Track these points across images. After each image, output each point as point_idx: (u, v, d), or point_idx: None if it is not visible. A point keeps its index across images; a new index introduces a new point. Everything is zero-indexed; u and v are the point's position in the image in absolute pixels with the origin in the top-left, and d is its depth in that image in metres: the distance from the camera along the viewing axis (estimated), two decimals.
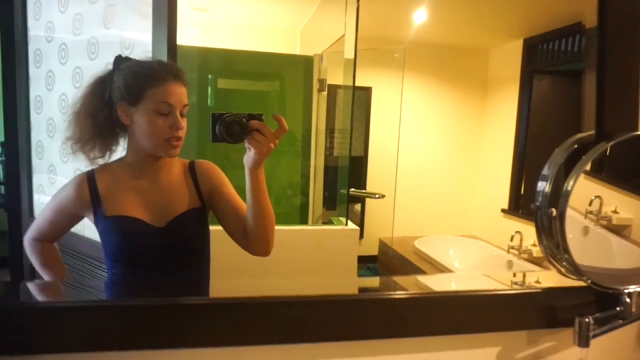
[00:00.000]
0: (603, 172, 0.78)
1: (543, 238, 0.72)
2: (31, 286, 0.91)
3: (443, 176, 3.52)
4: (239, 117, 0.94)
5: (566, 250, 0.68)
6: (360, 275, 2.58)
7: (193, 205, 1.10)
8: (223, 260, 1.14)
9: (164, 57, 1.33)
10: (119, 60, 1.07)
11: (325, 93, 2.49)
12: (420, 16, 2.95)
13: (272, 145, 0.97)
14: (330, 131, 2.54)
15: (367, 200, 3.27)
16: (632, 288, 0.72)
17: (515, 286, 0.81)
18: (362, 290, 0.90)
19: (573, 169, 0.69)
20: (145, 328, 0.62)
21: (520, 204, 3.08)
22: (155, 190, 1.08)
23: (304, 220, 2.49)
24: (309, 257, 1.98)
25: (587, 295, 0.75)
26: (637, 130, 0.69)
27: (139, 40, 1.52)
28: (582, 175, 0.73)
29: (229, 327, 0.65)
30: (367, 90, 3.29)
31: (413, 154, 3.38)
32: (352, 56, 2.20)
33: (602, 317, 0.73)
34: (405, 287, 0.88)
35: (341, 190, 2.41)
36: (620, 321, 0.74)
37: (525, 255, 2.59)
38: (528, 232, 2.59)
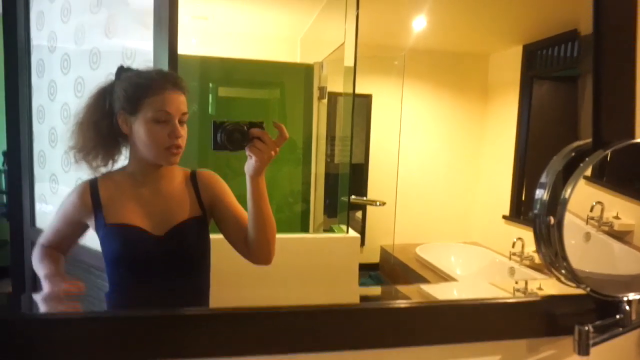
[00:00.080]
0: (604, 177, 0.78)
1: (542, 246, 0.72)
2: (33, 297, 0.92)
3: (444, 183, 3.52)
4: (240, 125, 0.95)
5: (564, 258, 0.69)
6: (362, 283, 2.57)
7: (194, 214, 1.10)
8: (224, 268, 1.14)
9: (165, 66, 1.34)
10: (121, 71, 1.08)
11: (325, 101, 2.50)
12: (419, 23, 2.97)
13: (273, 153, 0.98)
14: (330, 138, 2.55)
15: (368, 207, 3.27)
16: (631, 296, 0.72)
17: (518, 293, 0.81)
18: (363, 299, 0.90)
19: (571, 176, 0.69)
20: (146, 339, 0.62)
21: (522, 210, 3.07)
22: (156, 199, 1.09)
23: (305, 228, 2.49)
24: (310, 265, 1.97)
25: (587, 303, 0.75)
26: (633, 138, 0.70)
27: (140, 50, 1.53)
28: (582, 181, 0.73)
29: (230, 337, 0.65)
30: (368, 98, 3.30)
31: (414, 160, 3.39)
32: (352, 64, 2.21)
33: (602, 325, 0.73)
34: (408, 295, 0.88)
35: (342, 198, 2.41)
36: (621, 329, 0.73)
37: (527, 262, 2.58)
38: (530, 239, 2.58)
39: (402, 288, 1.21)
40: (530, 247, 2.58)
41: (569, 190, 0.68)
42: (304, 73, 2.54)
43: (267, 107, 2.67)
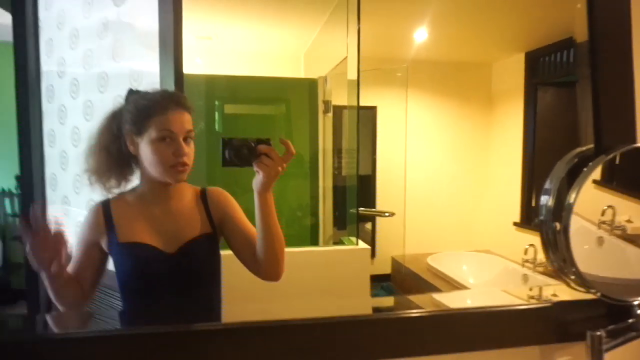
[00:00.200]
0: (614, 181, 0.78)
1: (550, 252, 0.72)
2: (47, 317, 0.93)
3: (453, 191, 3.51)
4: (248, 142, 0.98)
5: (572, 263, 0.69)
6: (374, 294, 2.56)
7: (204, 231, 1.12)
8: (234, 284, 1.15)
9: (171, 87, 1.36)
10: (129, 94, 1.11)
11: (330, 114, 2.52)
12: (421, 35, 3.00)
13: (280, 169, 0.99)
14: (337, 151, 2.57)
15: (378, 218, 3.27)
16: None
17: (532, 300, 0.81)
18: (376, 310, 0.90)
19: (574, 182, 0.69)
20: (159, 355, 0.63)
21: (532, 216, 3.05)
22: (167, 217, 1.10)
23: (314, 241, 2.49)
24: (321, 278, 1.97)
25: (599, 308, 0.75)
26: (635, 142, 0.70)
27: (147, 72, 1.56)
28: (592, 185, 0.74)
29: (242, 352, 0.65)
30: (372, 110, 3.33)
31: (421, 170, 3.39)
32: (355, 77, 2.23)
33: (615, 329, 0.72)
34: (420, 305, 0.88)
35: (351, 210, 2.41)
36: (634, 333, 0.73)
37: (541, 269, 2.55)
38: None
39: (415, 298, 1.21)
40: (543, 253, 2.55)
41: (573, 196, 0.68)
42: (308, 87, 2.57)
43: (273, 122, 2.69)
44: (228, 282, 1.18)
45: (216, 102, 2.55)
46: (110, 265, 1.10)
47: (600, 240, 0.77)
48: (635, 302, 0.72)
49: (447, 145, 3.53)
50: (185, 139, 1.04)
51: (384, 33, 2.88)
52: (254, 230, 1.09)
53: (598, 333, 0.70)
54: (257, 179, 1.01)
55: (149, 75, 1.54)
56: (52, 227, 0.92)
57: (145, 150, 1.04)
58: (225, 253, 1.16)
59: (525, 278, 2.66)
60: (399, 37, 3.06)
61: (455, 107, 3.51)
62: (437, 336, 0.72)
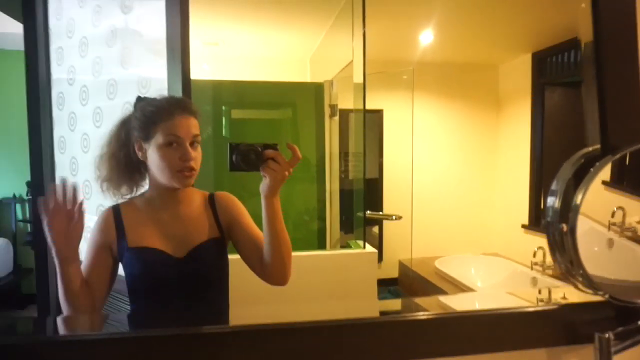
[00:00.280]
0: (624, 182, 0.78)
1: (557, 254, 0.72)
2: (58, 320, 0.94)
3: (460, 194, 3.50)
4: (255, 147, 0.99)
5: (580, 265, 0.68)
6: (381, 298, 2.55)
7: (212, 235, 1.13)
8: (242, 289, 1.15)
9: (178, 93, 1.38)
10: (137, 101, 1.12)
11: (337, 118, 2.53)
12: (426, 37, 3.00)
13: (286, 173, 1.00)
14: (344, 155, 2.57)
15: (385, 222, 3.27)
16: None
17: (541, 303, 0.81)
18: (383, 313, 0.90)
19: (581, 183, 0.69)
20: (168, 358, 0.64)
21: (541, 218, 3.03)
22: (176, 222, 1.11)
23: (321, 245, 2.50)
24: (328, 282, 1.98)
25: (607, 310, 0.74)
26: None
27: (155, 78, 1.58)
28: (602, 187, 0.73)
29: (250, 354, 0.66)
30: (379, 113, 3.33)
31: (428, 173, 3.38)
32: (361, 80, 2.24)
33: (624, 331, 0.72)
34: (427, 308, 0.88)
35: (357, 213, 2.42)
36: None
37: (550, 271, 2.53)
38: None
39: (421, 300, 1.20)
40: None
41: (580, 197, 0.68)
42: (315, 92, 2.58)
43: (280, 126, 2.71)
44: (235, 286, 1.18)
45: (223, 108, 2.57)
46: (119, 269, 1.11)
47: (610, 242, 0.77)
48: None
49: (454, 148, 3.51)
50: (192, 144, 1.05)
51: (389, 36, 2.89)
52: (262, 235, 1.10)
53: (606, 335, 0.69)
54: (264, 184, 1.02)
55: (157, 81, 1.56)
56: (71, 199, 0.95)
57: (152, 155, 1.05)
58: (233, 257, 1.17)
59: (534, 281, 2.64)
60: (404, 39, 3.06)
61: (462, 109, 3.50)
62: (444, 339, 0.72)
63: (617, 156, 0.70)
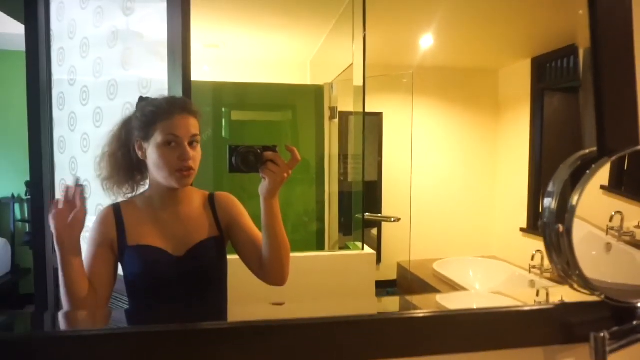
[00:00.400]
0: (622, 187, 0.79)
1: (553, 255, 0.73)
2: (59, 316, 0.94)
3: (459, 197, 3.51)
4: (254, 149, 1.00)
5: (576, 265, 0.69)
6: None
7: (212, 234, 1.13)
8: (240, 289, 1.16)
9: (179, 94, 1.39)
10: (139, 101, 1.13)
11: (336, 120, 2.54)
12: (427, 41, 3.01)
13: (285, 175, 1.01)
14: (343, 157, 2.58)
15: (384, 224, 3.28)
16: None
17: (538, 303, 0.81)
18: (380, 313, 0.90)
19: (577, 184, 0.70)
20: (165, 355, 0.64)
21: (539, 222, 3.04)
22: (175, 221, 1.12)
23: (320, 247, 2.50)
24: (327, 283, 1.98)
25: (603, 310, 0.75)
26: (639, 144, 0.71)
27: (155, 79, 1.59)
28: (600, 191, 0.74)
29: (248, 351, 0.66)
30: (378, 116, 3.35)
31: (427, 176, 3.39)
32: (361, 83, 2.25)
33: (619, 331, 0.72)
34: (424, 307, 0.88)
35: (356, 215, 2.42)
36: (638, 335, 0.73)
37: (548, 275, 2.54)
38: None
39: (418, 299, 1.21)
40: None
41: (576, 198, 0.69)
42: (315, 94, 2.59)
43: (280, 128, 2.72)
44: (234, 286, 1.19)
45: (223, 109, 2.58)
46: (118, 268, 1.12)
47: (608, 247, 0.77)
48: (639, 304, 0.72)
49: (454, 151, 3.53)
50: (190, 144, 1.05)
51: (389, 40, 2.90)
52: (260, 235, 1.10)
53: (601, 334, 0.70)
54: (263, 185, 1.02)
55: (157, 82, 1.56)
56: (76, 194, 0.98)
57: (151, 155, 1.06)
58: (232, 258, 1.17)
59: (532, 284, 2.65)
60: (404, 43, 3.08)
61: (461, 113, 3.51)
62: (441, 336, 0.73)
63: (613, 158, 0.70)
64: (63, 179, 2.02)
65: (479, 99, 3.51)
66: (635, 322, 0.73)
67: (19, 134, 2.61)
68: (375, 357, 0.69)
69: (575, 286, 0.72)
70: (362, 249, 2.21)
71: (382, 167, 3.37)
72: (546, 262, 2.55)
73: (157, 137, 1.04)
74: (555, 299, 0.79)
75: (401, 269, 3.25)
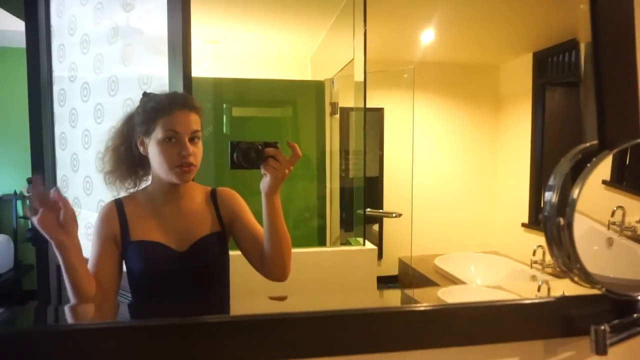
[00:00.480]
0: (624, 182, 0.79)
1: (554, 248, 0.73)
2: (65, 309, 0.94)
3: (460, 192, 3.51)
4: (255, 145, 1.00)
5: (577, 259, 0.69)
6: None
7: (214, 229, 1.14)
8: (242, 285, 1.16)
9: (180, 90, 1.39)
10: (142, 97, 1.13)
11: (337, 116, 2.54)
12: (427, 36, 3.01)
13: (286, 171, 1.01)
14: (344, 153, 2.58)
15: (385, 219, 3.28)
16: None
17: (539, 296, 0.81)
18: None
19: (578, 178, 0.70)
20: (167, 348, 0.64)
21: (540, 216, 3.04)
22: (177, 217, 1.12)
23: (322, 242, 2.51)
24: (328, 279, 1.98)
25: (603, 303, 0.75)
26: (639, 138, 0.71)
27: (156, 75, 1.59)
28: (602, 186, 0.74)
29: (250, 344, 0.67)
30: (379, 111, 3.34)
31: (429, 171, 3.39)
32: (362, 79, 2.25)
33: (620, 324, 0.73)
34: (424, 301, 0.89)
35: (358, 211, 2.43)
36: (638, 328, 0.73)
37: (549, 270, 2.54)
38: None
39: (419, 293, 1.21)
40: None
41: (577, 191, 0.69)
42: (315, 90, 2.59)
43: (280, 124, 2.72)
44: (235, 282, 1.19)
45: (224, 105, 2.58)
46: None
47: (609, 241, 0.77)
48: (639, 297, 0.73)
49: (455, 147, 3.52)
50: (191, 139, 1.05)
51: (390, 35, 2.90)
52: (262, 231, 1.11)
53: (602, 327, 0.70)
54: (265, 181, 1.03)
55: (158, 78, 1.57)
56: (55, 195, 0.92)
57: (152, 150, 1.06)
58: (234, 253, 1.18)
59: (533, 279, 2.65)
60: (405, 39, 3.07)
61: (462, 108, 3.51)
62: (442, 330, 0.73)
63: (614, 151, 0.71)
64: (65, 175, 2.02)
65: (480, 94, 3.50)
66: (635, 315, 0.73)
67: (20, 130, 2.62)
68: (377, 350, 0.70)
69: (576, 279, 0.72)
70: (364, 244, 2.21)
71: (383, 162, 3.37)
72: (547, 258, 2.55)
73: (158, 133, 1.04)
74: (556, 293, 0.79)
75: (402, 264, 3.26)
